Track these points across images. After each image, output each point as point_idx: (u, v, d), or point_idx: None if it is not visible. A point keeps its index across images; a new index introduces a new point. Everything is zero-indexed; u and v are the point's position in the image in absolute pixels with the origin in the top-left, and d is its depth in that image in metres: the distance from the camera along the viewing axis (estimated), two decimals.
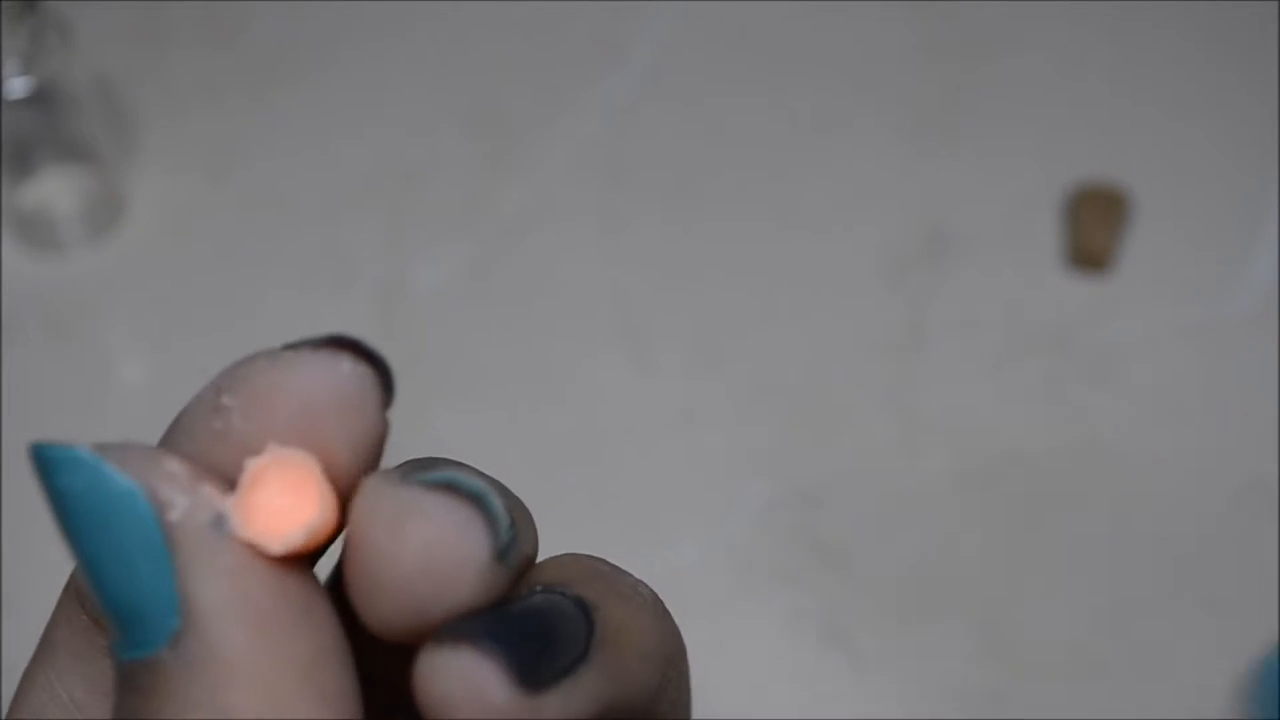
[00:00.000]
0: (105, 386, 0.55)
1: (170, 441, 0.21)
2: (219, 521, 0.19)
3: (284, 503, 0.20)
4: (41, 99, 0.55)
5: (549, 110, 0.62)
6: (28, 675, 0.24)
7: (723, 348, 0.55)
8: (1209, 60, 0.63)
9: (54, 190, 0.58)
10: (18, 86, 0.53)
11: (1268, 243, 0.58)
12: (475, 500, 0.20)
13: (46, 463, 0.20)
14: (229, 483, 0.20)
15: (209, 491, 0.19)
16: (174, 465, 0.20)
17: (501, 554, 0.20)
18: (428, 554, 0.20)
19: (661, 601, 0.22)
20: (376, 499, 0.20)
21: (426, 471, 0.21)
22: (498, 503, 0.21)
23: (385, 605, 0.20)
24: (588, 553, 0.23)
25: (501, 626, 0.20)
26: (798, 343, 0.55)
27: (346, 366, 0.21)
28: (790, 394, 0.54)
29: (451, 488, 0.21)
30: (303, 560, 0.20)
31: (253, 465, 0.20)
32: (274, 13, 0.65)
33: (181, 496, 0.19)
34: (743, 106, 0.62)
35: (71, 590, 0.24)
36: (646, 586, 0.22)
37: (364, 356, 0.22)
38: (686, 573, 0.50)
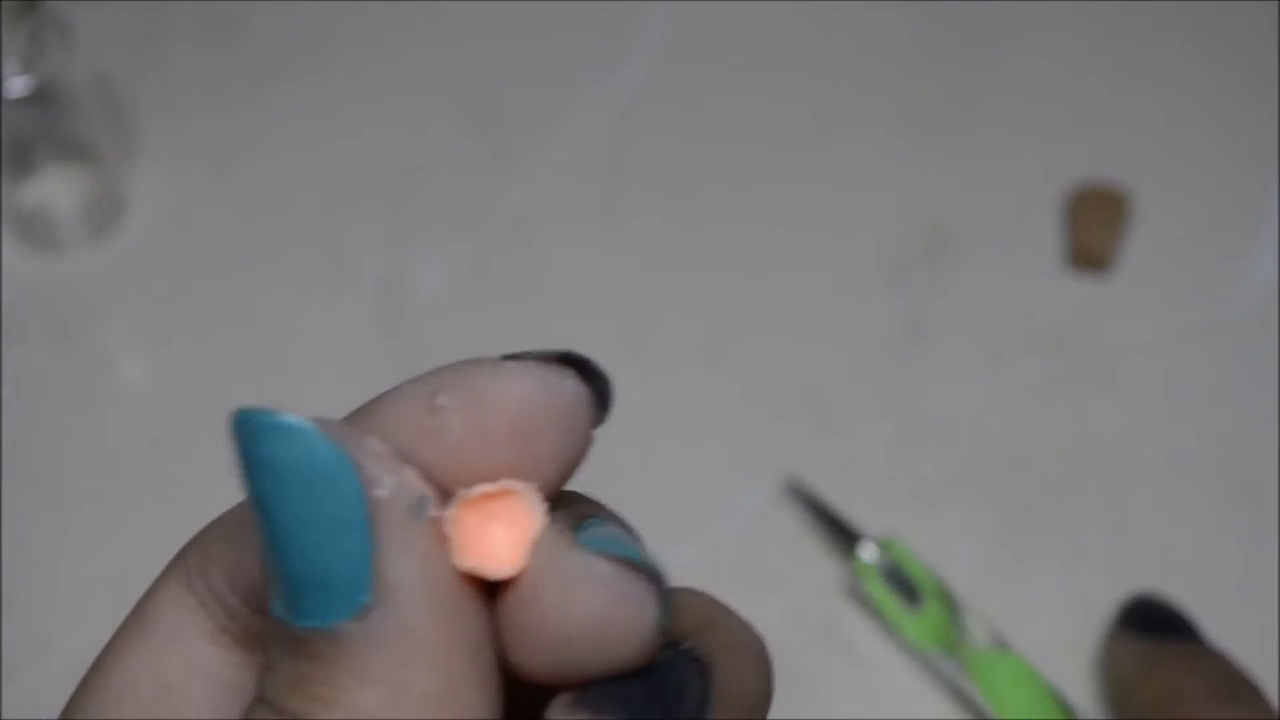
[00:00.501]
0: (105, 386, 0.55)
1: (371, 430, 0.21)
2: (420, 505, 0.20)
3: (507, 535, 0.20)
4: (41, 99, 0.55)
5: (549, 110, 0.62)
6: (114, 651, 0.24)
7: (723, 348, 0.55)
8: (1209, 60, 0.63)
9: (54, 190, 0.58)
10: (18, 86, 0.53)
11: (1268, 243, 0.58)
12: (649, 576, 0.21)
13: (253, 428, 0.20)
14: (434, 483, 0.20)
15: (411, 475, 0.20)
16: (379, 445, 0.20)
17: (663, 627, 0.21)
18: (598, 624, 0.20)
19: (765, 645, 0.23)
20: (554, 558, 0.20)
21: (592, 528, 0.22)
22: (666, 578, 0.21)
23: (538, 657, 0.20)
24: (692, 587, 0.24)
25: (632, 695, 0.20)
26: (798, 342, 0.55)
27: (570, 385, 0.21)
28: (790, 394, 0.54)
29: (628, 561, 0.21)
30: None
31: (483, 488, 0.20)
32: (274, 13, 0.65)
33: (389, 476, 0.20)
34: (743, 106, 0.62)
35: (183, 570, 0.24)
36: (754, 631, 0.23)
37: (586, 376, 0.22)
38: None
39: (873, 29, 0.64)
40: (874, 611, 0.49)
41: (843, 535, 0.50)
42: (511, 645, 0.20)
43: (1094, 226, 0.57)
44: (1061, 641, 0.49)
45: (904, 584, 0.48)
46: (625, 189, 0.60)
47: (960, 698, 0.48)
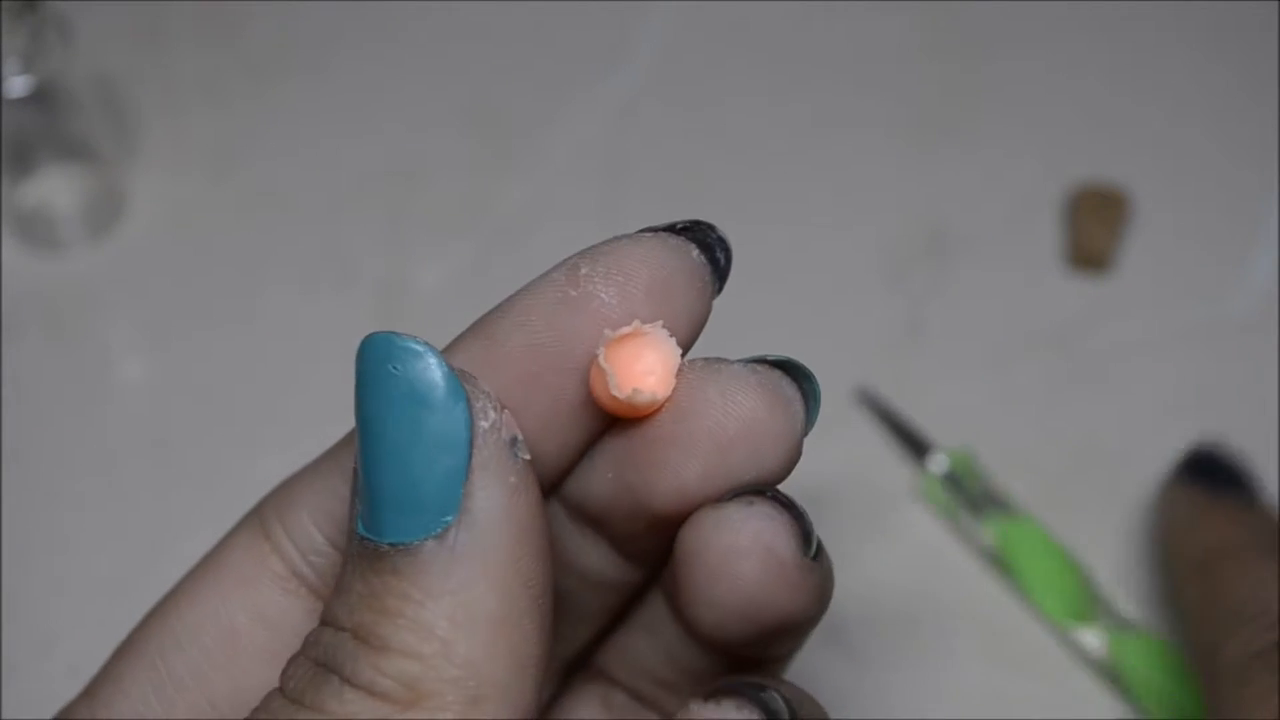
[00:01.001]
0: (105, 386, 0.55)
1: (512, 309, 0.23)
2: (515, 442, 0.21)
3: (647, 362, 0.22)
4: (41, 99, 0.55)
5: (549, 110, 0.62)
6: (182, 592, 0.25)
7: (722, 348, 0.55)
8: (1209, 60, 0.63)
9: (54, 190, 0.58)
10: (18, 86, 0.53)
11: (1268, 243, 0.58)
12: (800, 376, 0.24)
13: (380, 347, 0.22)
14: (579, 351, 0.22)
15: (510, 417, 0.22)
16: (487, 385, 0.22)
17: (804, 433, 0.24)
18: (755, 425, 0.22)
19: None
20: (709, 369, 0.23)
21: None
22: (815, 380, 0.24)
23: (694, 464, 0.22)
24: None
25: (787, 499, 0.23)
26: (798, 342, 0.55)
27: (694, 251, 0.24)
28: None
29: (781, 363, 0.24)
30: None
31: (623, 330, 0.22)
32: (274, 13, 0.65)
33: (494, 411, 0.21)
34: (743, 106, 0.62)
35: (258, 518, 0.25)
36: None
37: (708, 245, 0.25)
38: None
39: (873, 29, 0.64)
40: (943, 519, 0.51)
41: (912, 445, 0.51)
42: (665, 463, 0.22)
43: (1094, 226, 0.57)
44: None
45: (970, 494, 0.50)
46: (625, 189, 0.60)
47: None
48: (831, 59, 0.63)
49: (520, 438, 0.21)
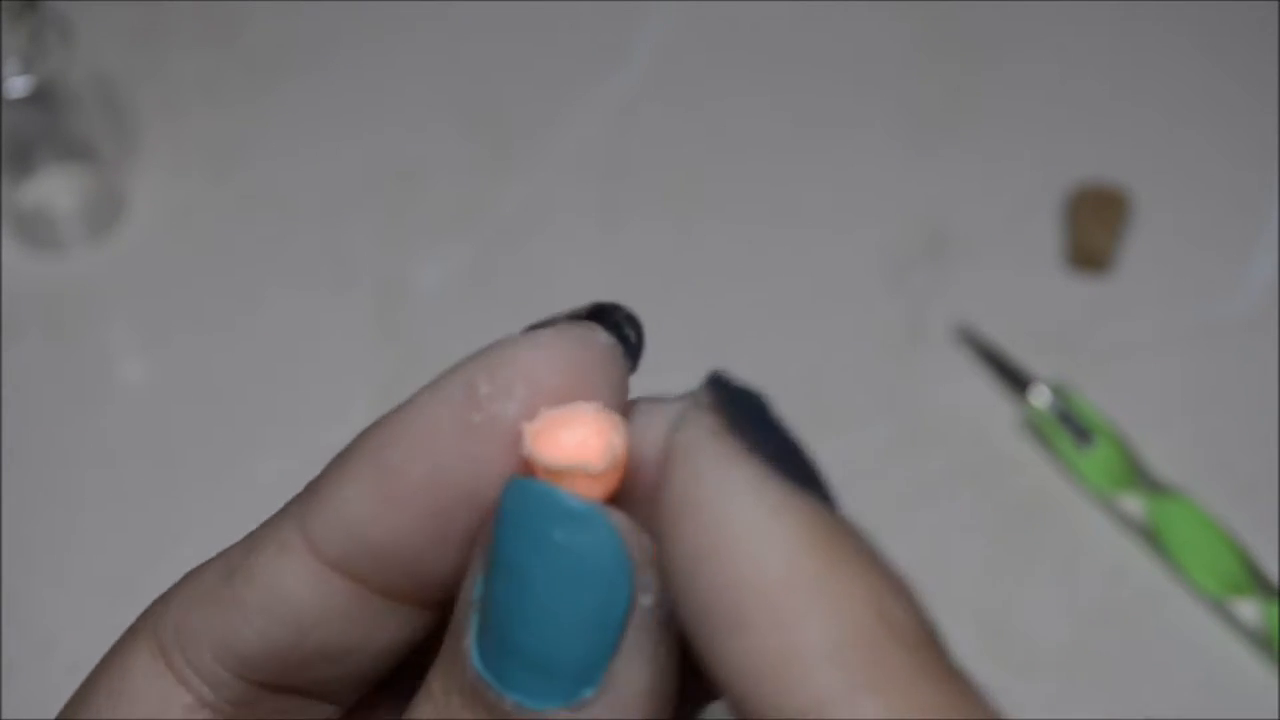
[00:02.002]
0: (105, 386, 0.55)
1: (406, 434, 0.20)
2: (669, 611, 0.19)
3: (583, 434, 0.20)
4: (41, 99, 0.55)
5: (549, 110, 0.62)
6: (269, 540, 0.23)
7: (722, 348, 0.55)
8: (1209, 60, 0.63)
9: (54, 190, 0.58)
10: (18, 86, 0.53)
11: (1268, 243, 0.58)
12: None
13: (547, 504, 0.19)
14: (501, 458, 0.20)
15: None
16: (650, 545, 0.19)
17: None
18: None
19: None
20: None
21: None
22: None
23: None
24: None
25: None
26: (798, 343, 0.55)
27: (602, 336, 0.21)
28: (790, 394, 0.54)
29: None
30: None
31: (553, 412, 0.20)
32: (274, 13, 0.65)
33: (655, 582, 0.19)
34: (743, 106, 0.62)
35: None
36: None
37: (614, 327, 0.22)
38: None
39: (873, 29, 0.64)
40: (1049, 453, 0.52)
41: (1015, 380, 0.53)
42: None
43: (1094, 226, 0.57)
44: (1061, 641, 0.49)
45: (1076, 426, 0.51)
46: (625, 189, 0.60)
47: (1136, 536, 0.50)
48: (831, 59, 0.63)
49: (675, 602, 0.19)
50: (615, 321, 0.21)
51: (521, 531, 0.19)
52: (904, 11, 0.64)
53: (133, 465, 0.53)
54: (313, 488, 0.22)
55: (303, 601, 0.21)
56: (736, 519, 0.18)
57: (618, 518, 0.19)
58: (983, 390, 0.54)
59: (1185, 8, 0.64)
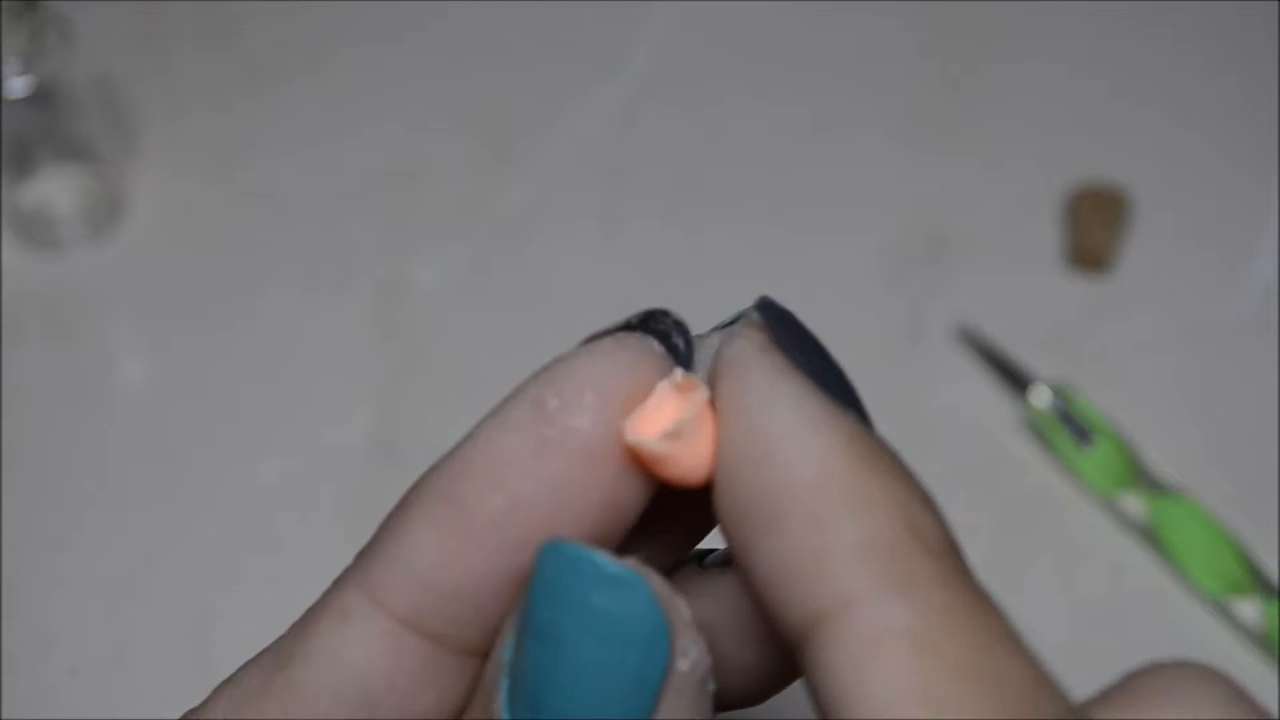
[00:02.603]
0: (105, 386, 0.55)
1: (476, 464, 0.20)
2: (708, 677, 0.19)
3: (669, 411, 0.20)
4: (41, 99, 0.55)
5: (549, 110, 0.62)
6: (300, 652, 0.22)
7: None
8: (1209, 60, 0.63)
9: (54, 190, 0.58)
10: (18, 86, 0.53)
11: (1268, 243, 0.58)
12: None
13: (584, 568, 0.19)
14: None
15: (704, 648, 0.19)
16: (686, 608, 0.19)
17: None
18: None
19: None
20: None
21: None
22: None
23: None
24: None
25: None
26: None
27: (656, 346, 0.21)
28: None
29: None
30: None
31: (660, 390, 0.20)
32: (274, 13, 0.65)
33: (694, 646, 0.19)
34: (743, 106, 0.62)
35: (363, 595, 0.21)
36: None
37: (664, 336, 0.22)
38: None
39: (873, 29, 0.64)
40: (1049, 453, 0.52)
41: (1015, 380, 0.53)
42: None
43: (1094, 226, 0.57)
44: (1061, 641, 0.49)
45: (1076, 426, 0.51)
46: (625, 189, 0.60)
47: (1136, 536, 0.50)
48: (831, 59, 0.63)
49: (711, 667, 0.19)
50: (664, 330, 0.21)
51: (557, 595, 0.19)
52: (904, 11, 0.64)
53: (133, 465, 0.53)
54: (372, 544, 0.21)
55: (372, 670, 0.20)
56: (778, 427, 0.19)
57: (655, 581, 0.19)
58: (983, 390, 0.54)
59: (1185, 8, 0.64)
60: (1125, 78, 0.63)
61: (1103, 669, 0.52)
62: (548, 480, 0.19)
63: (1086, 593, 0.50)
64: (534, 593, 0.19)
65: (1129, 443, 0.51)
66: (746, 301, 0.22)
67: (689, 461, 0.20)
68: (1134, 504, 0.50)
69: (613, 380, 0.20)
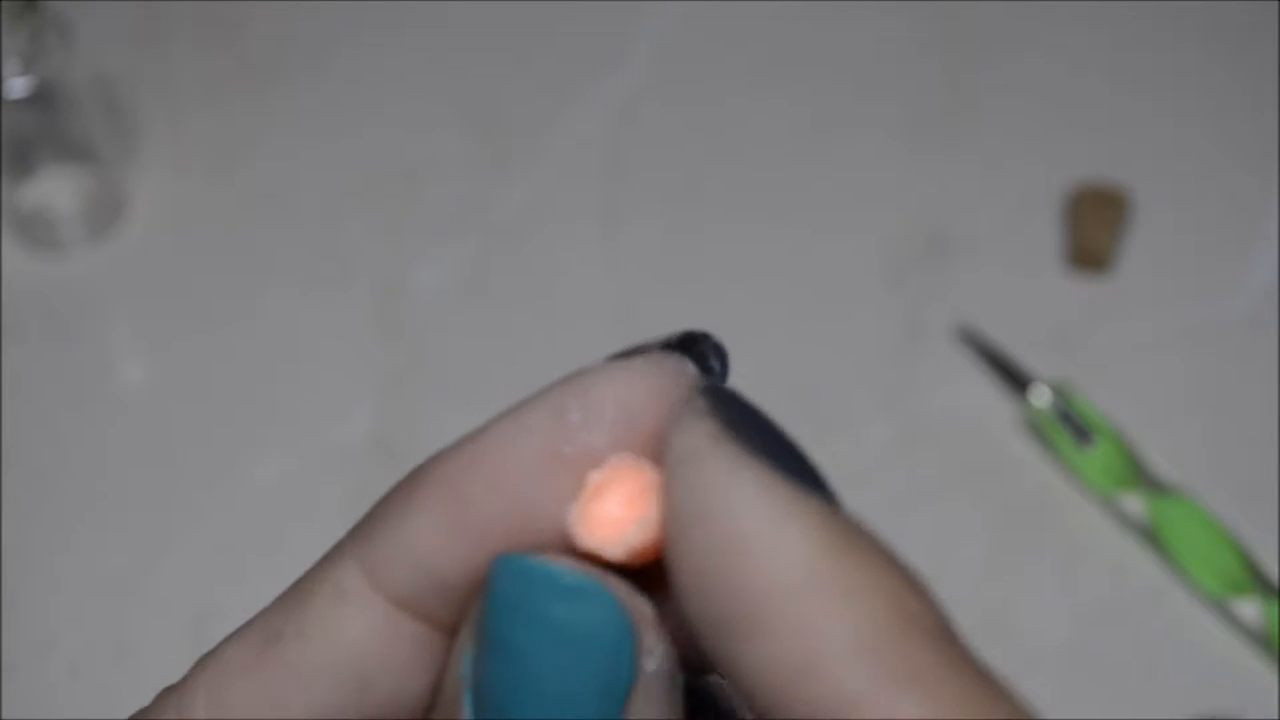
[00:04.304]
0: (105, 386, 0.55)
1: (485, 461, 0.19)
2: (675, 670, 0.19)
3: (621, 510, 0.19)
4: (41, 99, 0.55)
5: (549, 110, 0.62)
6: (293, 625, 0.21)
7: None
8: (1209, 60, 0.63)
9: (54, 190, 0.58)
10: (18, 86, 0.53)
11: (1268, 243, 0.58)
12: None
13: (541, 581, 0.18)
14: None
15: (670, 645, 0.19)
16: (648, 606, 0.19)
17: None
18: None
19: None
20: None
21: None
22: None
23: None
24: None
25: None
26: (798, 343, 0.55)
27: (692, 370, 0.20)
28: (790, 394, 0.54)
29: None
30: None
31: (594, 478, 0.19)
32: (274, 13, 0.65)
33: (660, 644, 0.19)
34: (743, 106, 0.62)
35: (358, 565, 0.21)
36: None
37: (701, 358, 0.21)
38: None
39: (873, 29, 0.64)
40: (1050, 452, 0.52)
41: (1015, 380, 0.53)
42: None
43: (1094, 226, 0.57)
44: (1061, 641, 0.49)
45: (1076, 426, 0.51)
46: (625, 189, 0.60)
47: (1136, 536, 0.50)
48: (831, 59, 0.63)
49: (678, 659, 0.19)
50: (701, 352, 0.21)
51: (517, 611, 0.18)
52: (904, 11, 0.64)
53: (133, 465, 0.53)
54: (370, 523, 0.20)
55: (367, 650, 0.20)
56: (746, 526, 0.17)
57: (614, 584, 0.18)
58: (983, 390, 0.54)
59: (1185, 8, 0.64)
60: (1125, 78, 0.63)
61: (1103, 669, 0.52)
62: (554, 491, 0.19)
63: (1086, 593, 0.50)
64: (492, 609, 0.19)
65: (1129, 443, 0.51)
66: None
67: (644, 554, 0.19)
68: (1134, 504, 0.50)
69: (641, 403, 0.19)
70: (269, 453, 0.53)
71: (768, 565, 0.17)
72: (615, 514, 0.19)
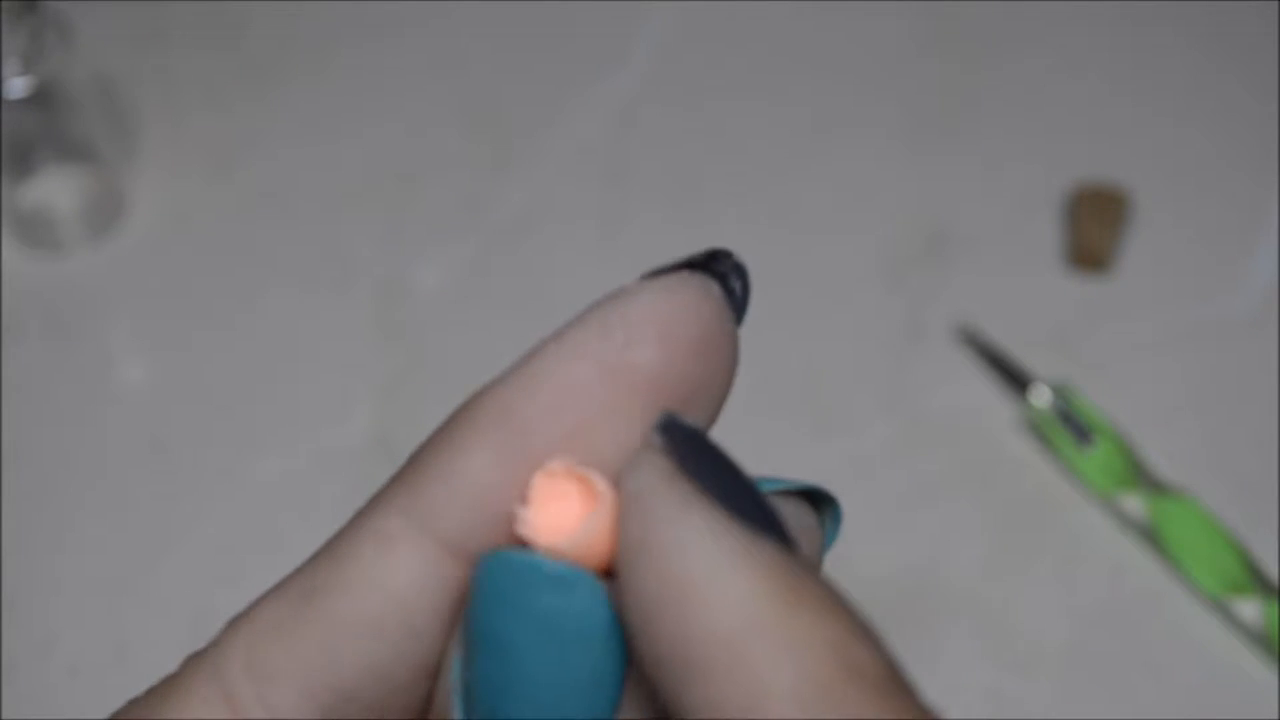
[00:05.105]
0: (105, 386, 0.55)
1: (539, 386, 0.19)
2: None
3: (560, 513, 0.18)
4: (41, 99, 0.55)
5: (549, 110, 0.62)
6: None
7: None
8: (1209, 60, 0.63)
9: (54, 190, 0.58)
10: (18, 86, 0.53)
11: (1268, 243, 0.58)
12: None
13: (527, 574, 0.18)
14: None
15: None
16: None
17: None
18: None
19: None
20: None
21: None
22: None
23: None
24: None
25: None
26: (798, 343, 0.55)
27: (717, 290, 0.20)
28: (790, 394, 0.54)
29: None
30: None
31: (535, 483, 0.19)
32: (274, 13, 0.65)
33: None
34: (743, 106, 0.62)
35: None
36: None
37: (722, 278, 0.21)
38: None
39: (873, 29, 0.64)
40: (1050, 452, 0.52)
41: (1015, 380, 0.53)
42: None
43: (1094, 226, 0.57)
44: (1061, 641, 0.49)
45: (1076, 426, 0.51)
46: (625, 189, 0.60)
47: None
48: (831, 59, 0.63)
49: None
50: (723, 272, 0.20)
51: (505, 604, 0.18)
52: (904, 11, 0.64)
53: (132, 465, 0.53)
54: (415, 468, 0.19)
55: (417, 599, 0.19)
56: (695, 568, 0.17)
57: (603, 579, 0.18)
58: (983, 390, 0.54)
59: (1185, 8, 0.64)
60: (1125, 78, 0.63)
61: (1103, 669, 0.52)
62: (610, 410, 0.19)
63: (1086, 593, 0.50)
64: (479, 606, 0.18)
65: (1129, 443, 0.51)
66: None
67: (588, 563, 0.18)
68: (1134, 504, 0.50)
69: (675, 319, 0.19)
70: (269, 452, 0.53)
71: (710, 609, 0.17)
72: (553, 519, 0.18)
